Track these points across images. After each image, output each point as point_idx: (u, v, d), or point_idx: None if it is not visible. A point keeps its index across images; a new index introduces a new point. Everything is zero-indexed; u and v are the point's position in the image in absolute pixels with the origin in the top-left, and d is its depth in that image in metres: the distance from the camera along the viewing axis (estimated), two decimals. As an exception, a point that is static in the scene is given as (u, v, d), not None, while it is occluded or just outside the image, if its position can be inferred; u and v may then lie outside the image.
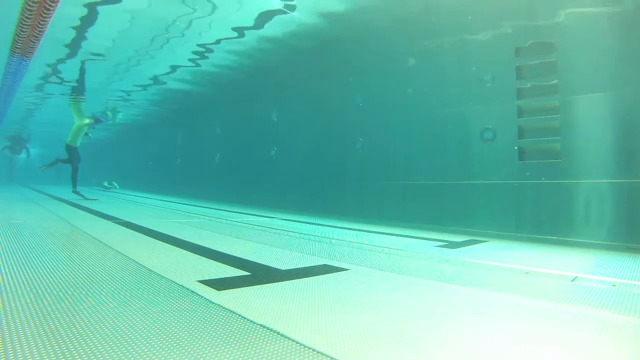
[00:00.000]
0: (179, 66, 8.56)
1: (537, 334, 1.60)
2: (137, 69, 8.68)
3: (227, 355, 1.28)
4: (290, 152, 8.85)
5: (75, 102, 10.67)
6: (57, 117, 13.56)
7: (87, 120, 9.48)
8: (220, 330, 1.50)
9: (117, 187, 16.06)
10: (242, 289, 2.10)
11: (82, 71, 8.87)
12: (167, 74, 9.11)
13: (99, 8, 5.61)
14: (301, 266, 2.79)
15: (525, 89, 5.00)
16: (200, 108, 12.11)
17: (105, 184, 15.98)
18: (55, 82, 9.56)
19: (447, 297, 2.14)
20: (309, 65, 7.92)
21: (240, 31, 6.54)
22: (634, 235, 4.08)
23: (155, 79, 9.50)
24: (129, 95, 11.13)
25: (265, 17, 5.99)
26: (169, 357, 1.25)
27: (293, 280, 2.34)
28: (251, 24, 6.25)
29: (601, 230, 4.30)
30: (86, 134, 9.64)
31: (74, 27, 6.20)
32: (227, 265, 2.68)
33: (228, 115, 11.32)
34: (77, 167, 9.22)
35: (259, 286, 2.18)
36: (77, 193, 9.18)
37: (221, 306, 1.79)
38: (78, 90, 10.39)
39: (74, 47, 7.07)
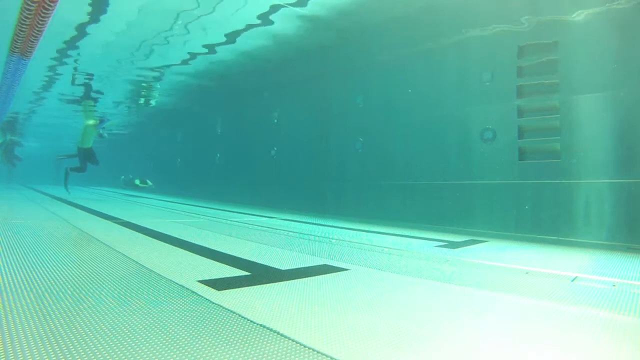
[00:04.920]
0: (174, 64, 8.54)
1: (537, 334, 1.60)
2: (130, 69, 8.69)
3: (227, 355, 1.28)
4: (290, 152, 8.85)
5: (86, 103, 10.71)
6: (58, 114, 13.51)
7: (91, 122, 9.51)
8: (220, 330, 1.50)
9: (152, 185, 13.67)
10: (242, 289, 2.10)
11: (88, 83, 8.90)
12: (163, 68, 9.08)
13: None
14: (301, 266, 2.78)
15: (525, 89, 5.00)
16: (198, 108, 12.11)
17: (137, 182, 13.78)
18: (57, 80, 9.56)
19: (447, 297, 2.14)
20: (309, 65, 7.92)
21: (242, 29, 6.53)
22: (634, 235, 4.09)
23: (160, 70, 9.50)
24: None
25: (265, 14, 5.99)
26: (169, 357, 1.25)
27: (293, 280, 2.34)
28: (253, 21, 6.24)
29: (601, 230, 4.31)
30: (101, 135, 9.61)
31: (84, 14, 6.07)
32: (227, 265, 2.68)
33: (227, 116, 11.31)
34: (84, 167, 9.27)
35: (259, 286, 2.18)
36: (66, 175, 9.10)
37: (221, 306, 1.79)
38: (86, 94, 10.41)
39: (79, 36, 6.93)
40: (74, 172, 9.26)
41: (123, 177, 14.19)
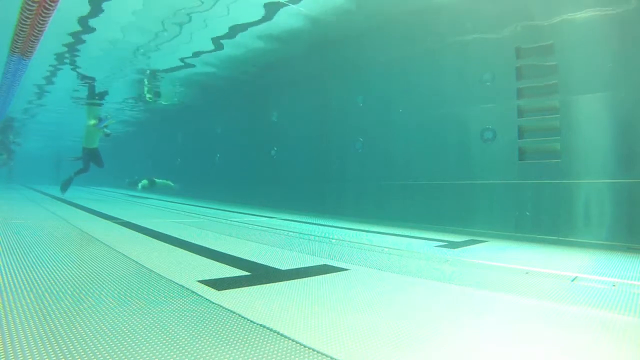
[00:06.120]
0: (176, 67, 8.58)
1: (537, 334, 1.60)
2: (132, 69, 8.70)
3: (227, 355, 1.28)
4: (290, 152, 8.85)
5: (90, 104, 10.69)
6: (59, 113, 13.50)
7: (92, 122, 9.45)
8: (220, 330, 1.50)
9: (174, 186, 12.08)
10: (242, 289, 2.10)
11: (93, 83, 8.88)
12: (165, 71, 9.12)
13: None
14: (301, 266, 2.78)
15: (525, 89, 5.00)
16: (197, 109, 12.10)
17: (145, 182, 12.33)
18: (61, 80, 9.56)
19: (447, 297, 2.14)
20: (309, 65, 7.92)
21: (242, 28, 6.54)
22: (634, 235, 4.08)
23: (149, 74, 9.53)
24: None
25: (266, 13, 6.00)
26: (169, 357, 1.25)
27: (293, 280, 2.34)
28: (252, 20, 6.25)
29: (601, 230, 4.30)
30: (107, 134, 9.52)
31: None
32: (227, 265, 2.68)
33: (226, 115, 11.31)
34: (87, 168, 9.26)
35: (258, 286, 2.18)
36: (70, 180, 9.12)
37: (221, 306, 1.79)
38: (90, 93, 10.40)
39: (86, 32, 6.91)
40: (78, 174, 9.23)
41: (128, 179, 13.11)
